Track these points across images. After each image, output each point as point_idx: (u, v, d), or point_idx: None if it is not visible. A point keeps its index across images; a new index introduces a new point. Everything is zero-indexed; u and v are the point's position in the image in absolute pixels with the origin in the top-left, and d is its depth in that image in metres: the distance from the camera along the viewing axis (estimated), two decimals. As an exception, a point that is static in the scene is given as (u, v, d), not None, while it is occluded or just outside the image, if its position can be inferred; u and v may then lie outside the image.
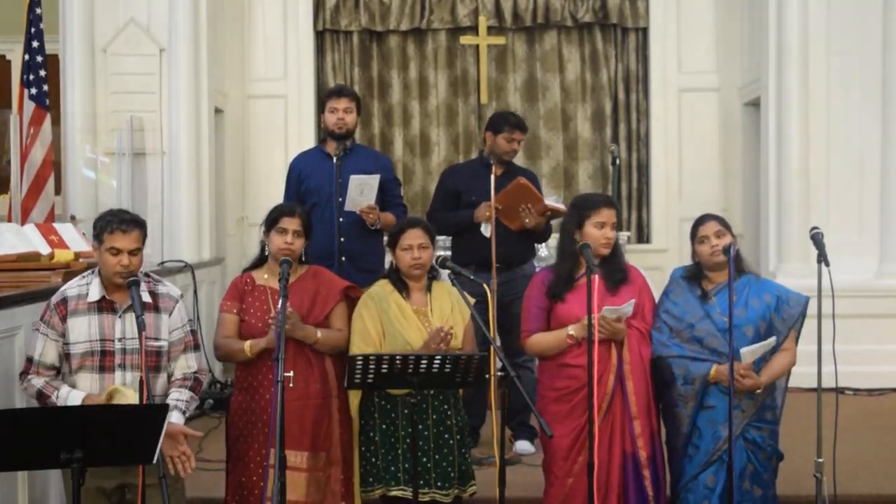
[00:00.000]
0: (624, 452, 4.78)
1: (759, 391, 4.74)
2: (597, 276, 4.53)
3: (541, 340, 4.93)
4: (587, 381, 4.73)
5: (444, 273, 4.92)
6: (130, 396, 4.23)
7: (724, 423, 4.68)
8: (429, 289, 4.95)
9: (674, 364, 4.78)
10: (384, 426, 4.84)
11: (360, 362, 4.48)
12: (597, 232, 4.86)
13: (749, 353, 4.67)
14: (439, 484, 4.80)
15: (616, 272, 4.85)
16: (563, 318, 4.86)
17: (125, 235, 4.36)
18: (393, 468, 4.79)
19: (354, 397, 4.94)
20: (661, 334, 4.87)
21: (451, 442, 4.85)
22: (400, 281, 4.99)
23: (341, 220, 6.19)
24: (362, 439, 4.91)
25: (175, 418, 4.32)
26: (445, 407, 4.87)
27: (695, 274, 4.99)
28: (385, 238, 6.53)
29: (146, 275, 4.59)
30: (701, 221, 4.96)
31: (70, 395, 4.33)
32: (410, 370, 4.46)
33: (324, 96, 6.63)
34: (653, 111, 10.49)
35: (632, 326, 4.83)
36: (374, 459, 4.85)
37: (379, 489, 4.84)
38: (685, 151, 10.42)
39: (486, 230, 6.40)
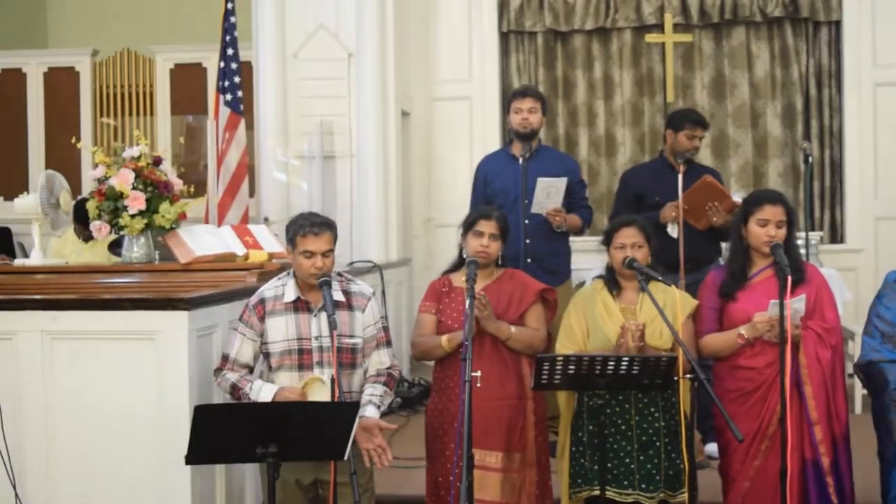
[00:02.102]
0: (804, 459, 4.64)
1: None
2: (771, 275, 4.44)
3: (712, 341, 4.84)
4: (761, 383, 4.65)
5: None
6: (326, 390, 4.32)
7: (939, 434, 4.50)
8: (642, 288, 4.88)
9: (886, 369, 4.61)
10: (591, 427, 4.80)
11: (547, 363, 4.48)
12: (759, 229, 4.75)
13: None
14: (643, 486, 4.70)
15: (792, 272, 4.62)
16: (734, 317, 4.77)
17: (317, 238, 4.46)
18: (597, 468, 4.73)
19: (569, 399, 4.91)
20: (872, 339, 4.72)
21: (658, 444, 4.74)
22: (613, 280, 4.95)
23: (527, 222, 6.20)
24: (572, 440, 4.88)
25: (370, 412, 4.40)
26: (652, 408, 4.77)
27: (912, 278, 4.81)
28: (571, 239, 6.55)
29: (339, 274, 4.68)
30: None
31: (263, 389, 4.46)
32: (598, 371, 4.43)
33: (509, 97, 6.65)
34: (846, 107, 10.13)
35: (808, 328, 4.68)
36: (582, 460, 4.82)
37: (586, 490, 4.79)
38: (881, 148, 10.03)
39: (674, 231, 6.32)
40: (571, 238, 6.60)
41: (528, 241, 6.20)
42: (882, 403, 4.68)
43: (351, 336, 4.55)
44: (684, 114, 6.73)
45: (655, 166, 6.77)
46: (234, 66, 8.90)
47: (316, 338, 4.50)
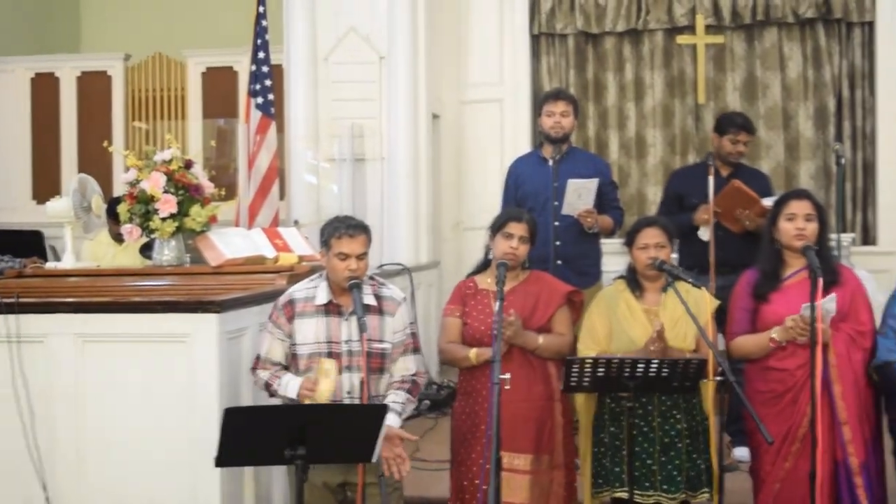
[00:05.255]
0: (834, 460, 4.60)
1: None
2: (805, 278, 4.43)
3: (744, 344, 4.82)
4: (792, 385, 4.62)
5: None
6: (331, 375, 4.32)
7: (957, 434, 4.47)
8: (665, 289, 4.85)
9: (902, 370, 4.59)
10: (612, 428, 4.80)
11: (576, 365, 4.47)
12: (788, 225, 4.73)
13: None
14: (665, 487, 4.71)
15: (825, 273, 4.55)
16: (767, 319, 4.74)
17: (352, 240, 4.46)
18: (618, 469, 4.74)
19: (590, 400, 4.91)
20: (887, 339, 4.68)
21: (679, 445, 4.74)
22: (635, 280, 4.94)
23: (557, 224, 6.19)
24: (594, 441, 4.88)
25: (391, 421, 4.36)
26: (675, 411, 4.77)
27: (927, 278, 4.77)
28: (602, 240, 6.53)
29: (371, 278, 4.68)
30: None
31: (290, 383, 4.45)
32: (627, 374, 4.42)
33: (541, 100, 6.64)
34: (880, 108, 10.04)
35: (840, 329, 4.65)
36: (604, 461, 4.82)
37: (607, 491, 4.81)
38: (914, 150, 9.98)
39: (704, 234, 6.30)
40: (602, 240, 6.58)
41: (558, 242, 6.18)
42: (899, 405, 4.66)
43: (381, 341, 4.54)
44: (729, 118, 6.72)
45: (700, 168, 6.74)
46: (265, 69, 8.93)
47: (346, 342, 4.49)
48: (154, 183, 5.43)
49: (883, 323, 4.76)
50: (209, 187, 5.66)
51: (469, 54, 10.48)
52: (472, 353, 4.84)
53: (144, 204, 5.46)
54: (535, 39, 10.58)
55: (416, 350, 4.72)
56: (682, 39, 10.24)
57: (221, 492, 4.63)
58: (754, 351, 4.78)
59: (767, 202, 6.20)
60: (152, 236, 5.62)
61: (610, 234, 6.60)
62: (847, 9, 10.07)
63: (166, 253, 5.63)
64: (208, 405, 4.60)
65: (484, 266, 5.07)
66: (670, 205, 6.65)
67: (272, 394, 4.54)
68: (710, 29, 10.23)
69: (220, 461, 3.95)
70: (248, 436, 3.88)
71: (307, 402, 4.32)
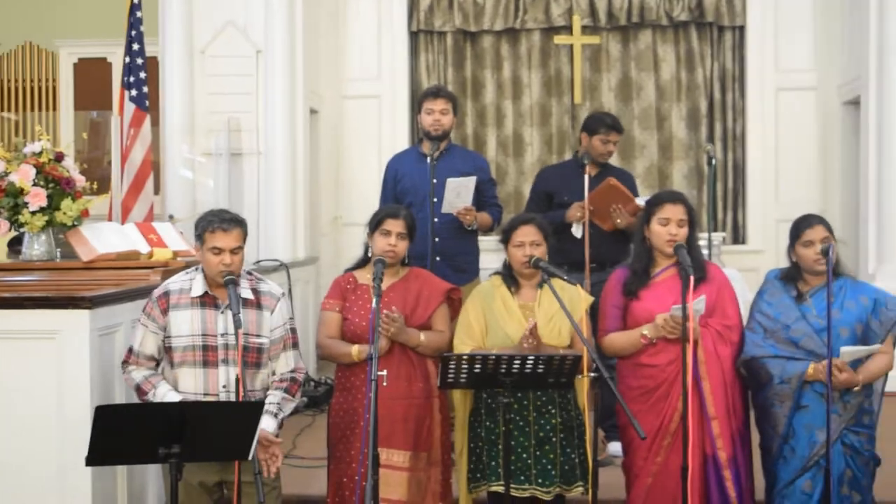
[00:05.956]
0: (704, 454, 4.72)
1: (856, 388, 4.64)
2: (674, 275, 4.54)
3: (615, 341, 4.91)
4: (663, 381, 4.73)
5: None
6: None
7: (820, 428, 4.61)
8: (540, 286, 4.91)
9: (770, 364, 4.71)
10: (489, 423, 4.83)
11: (453, 362, 4.49)
12: (660, 228, 4.83)
13: (849, 353, 4.58)
14: (539, 481, 4.76)
15: (694, 270, 4.63)
16: (638, 316, 4.83)
17: (226, 234, 4.42)
18: (494, 464, 4.78)
19: (467, 395, 4.93)
20: (755, 335, 4.81)
21: (554, 440, 4.80)
22: (511, 277, 4.98)
23: (436, 220, 6.20)
24: (471, 436, 4.91)
25: (264, 423, 4.34)
26: (550, 406, 4.82)
27: (791, 275, 4.90)
28: (479, 238, 6.57)
29: (248, 273, 4.65)
30: (808, 224, 4.82)
31: (166, 396, 4.41)
32: (503, 370, 4.45)
33: (420, 97, 6.64)
34: (749, 110, 10.35)
35: (708, 325, 4.77)
36: (481, 456, 4.85)
37: (483, 486, 4.84)
38: (782, 151, 10.26)
39: (578, 231, 6.38)
40: (480, 237, 6.62)
41: (437, 239, 6.19)
42: (766, 398, 4.77)
43: (258, 335, 4.51)
44: (599, 118, 6.79)
45: (568, 167, 6.82)
46: (139, 61, 8.79)
47: (222, 335, 4.45)
48: (23, 175, 5.31)
49: (751, 318, 4.89)
50: (81, 181, 5.55)
51: (348, 50, 10.49)
52: (354, 349, 4.82)
53: (13, 197, 5.34)
54: (413, 36, 10.63)
55: (295, 345, 4.71)
56: (559, 39, 10.37)
57: (93, 491, 4.56)
58: (626, 347, 4.86)
59: (640, 201, 6.32)
60: (21, 230, 5.50)
61: (488, 230, 6.63)
62: (719, 13, 10.32)
63: (36, 248, 5.52)
64: (79, 403, 4.53)
65: (364, 262, 5.06)
66: (540, 202, 6.69)
67: (143, 401, 4.46)
68: (586, 30, 10.38)
69: (91, 460, 3.86)
70: (120, 434, 3.80)
71: None
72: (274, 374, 4.62)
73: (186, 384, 4.46)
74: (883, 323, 4.77)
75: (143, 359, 4.51)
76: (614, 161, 8.90)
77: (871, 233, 8.74)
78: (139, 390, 4.47)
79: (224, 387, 4.43)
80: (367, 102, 10.48)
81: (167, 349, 4.50)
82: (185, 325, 4.46)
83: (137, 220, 8.11)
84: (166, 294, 4.51)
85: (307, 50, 9.11)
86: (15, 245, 6.06)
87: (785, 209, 9.58)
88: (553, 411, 4.82)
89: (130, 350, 4.54)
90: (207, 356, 4.45)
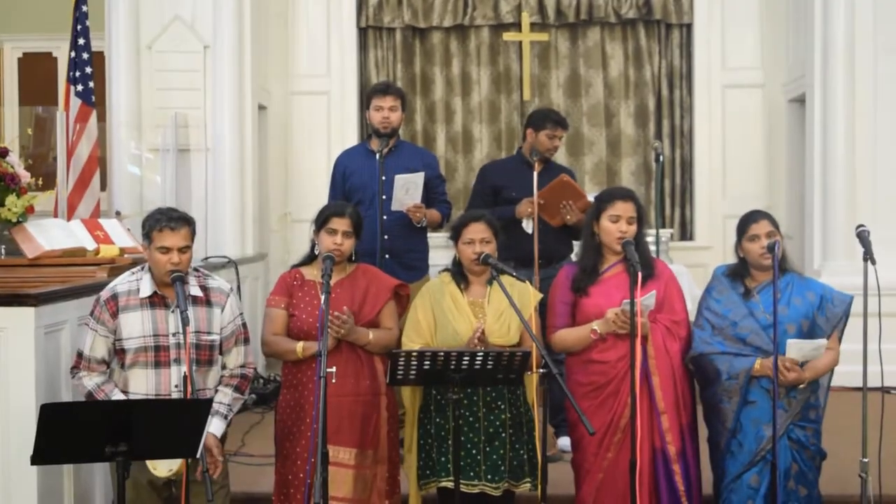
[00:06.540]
0: (653, 448, 4.76)
1: (802, 386, 4.71)
2: (622, 271, 4.58)
3: (565, 337, 4.92)
4: (613, 377, 4.75)
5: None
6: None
7: (767, 423, 4.66)
8: (490, 283, 4.92)
9: (717, 360, 4.76)
10: (439, 420, 4.84)
11: (402, 358, 4.49)
12: (611, 225, 4.85)
13: (796, 347, 4.63)
14: (489, 477, 4.78)
15: (642, 267, 4.67)
16: (587, 312, 4.85)
17: (174, 233, 4.39)
18: (443, 459, 4.79)
19: (416, 392, 4.94)
20: (703, 331, 4.85)
21: (503, 436, 4.82)
22: (460, 274, 4.99)
23: (385, 217, 6.19)
24: (420, 433, 4.92)
25: (213, 426, 4.34)
26: (499, 402, 4.84)
27: (738, 271, 4.95)
28: (429, 234, 6.57)
29: (196, 270, 4.62)
30: (753, 219, 4.88)
31: None
32: (453, 367, 4.46)
33: (369, 93, 6.63)
34: (696, 108, 10.42)
35: (657, 320, 4.81)
36: (431, 452, 4.86)
37: (433, 482, 4.85)
38: (729, 148, 10.34)
39: (528, 226, 6.40)
40: (430, 234, 6.62)
41: (386, 237, 6.19)
42: (714, 393, 4.82)
43: (209, 333, 4.49)
44: (545, 114, 6.81)
45: (513, 163, 6.84)
46: (85, 56, 8.68)
47: (174, 334, 4.42)
48: (-34, 171, 5.25)
49: (699, 315, 4.93)
50: (26, 177, 5.51)
51: (297, 45, 10.44)
52: (299, 346, 4.79)
53: (-44, 193, 5.27)
54: (362, 32, 10.59)
55: (247, 340, 4.70)
56: (507, 36, 10.38)
57: (38, 490, 4.51)
58: (575, 343, 4.88)
59: (590, 197, 6.34)
60: (-36, 227, 5.43)
61: (437, 227, 6.63)
62: (666, 10, 10.38)
63: (-21, 244, 5.45)
64: (24, 401, 4.49)
65: (310, 259, 5.03)
66: (486, 198, 6.68)
67: None
68: (535, 27, 10.40)
69: (36, 459, 3.82)
70: (66, 432, 3.76)
71: None
72: (224, 367, 4.59)
73: (138, 385, 4.42)
74: (829, 319, 4.83)
75: (94, 363, 4.46)
76: (563, 158, 8.97)
77: (817, 228, 8.85)
78: (90, 397, 4.41)
79: (176, 386, 4.40)
80: (316, 98, 10.43)
81: (118, 351, 4.46)
82: (137, 326, 4.42)
83: (84, 216, 8.02)
84: (114, 297, 4.46)
85: (255, 45, 9.07)
86: (-42, 242, 5.99)
87: (732, 205, 9.65)
88: (502, 407, 4.84)
89: (80, 355, 4.48)
90: (160, 356, 4.42)
